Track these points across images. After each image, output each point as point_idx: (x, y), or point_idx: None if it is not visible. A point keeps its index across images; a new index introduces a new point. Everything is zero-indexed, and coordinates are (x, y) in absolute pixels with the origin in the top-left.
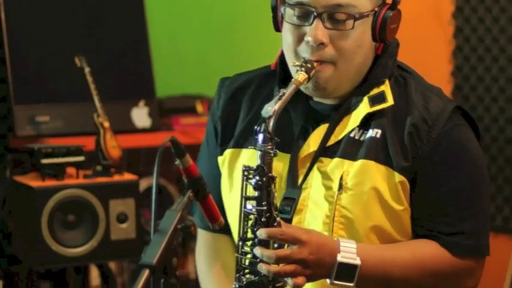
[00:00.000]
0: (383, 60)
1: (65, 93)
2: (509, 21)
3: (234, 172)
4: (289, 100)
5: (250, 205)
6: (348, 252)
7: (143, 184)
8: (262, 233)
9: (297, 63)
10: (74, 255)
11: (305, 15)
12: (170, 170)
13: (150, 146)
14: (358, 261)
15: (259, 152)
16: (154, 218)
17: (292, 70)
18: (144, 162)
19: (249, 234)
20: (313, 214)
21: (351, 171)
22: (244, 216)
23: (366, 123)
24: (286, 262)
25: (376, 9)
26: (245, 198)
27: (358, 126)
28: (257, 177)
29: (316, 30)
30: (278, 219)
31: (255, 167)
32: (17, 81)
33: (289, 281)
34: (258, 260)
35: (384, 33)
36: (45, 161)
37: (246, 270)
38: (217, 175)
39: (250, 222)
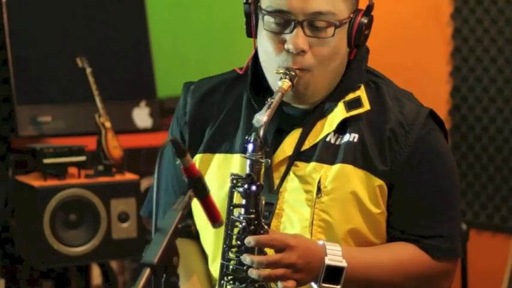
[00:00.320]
0: (356, 65)
1: (67, 93)
2: (508, 23)
3: (205, 177)
4: (261, 105)
5: (237, 212)
6: (335, 255)
7: (144, 184)
8: (250, 240)
9: (281, 70)
10: (75, 254)
11: (285, 23)
12: None
13: (151, 146)
14: (344, 264)
15: (248, 161)
16: (155, 218)
17: (273, 77)
18: (145, 162)
19: (234, 242)
20: (290, 218)
21: (329, 175)
22: (231, 223)
23: (342, 127)
24: (276, 267)
25: (351, 15)
26: (233, 206)
27: (333, 130)
28: (245, 186)
29: (296, 38)
30: (266, 227)
31: (244, 175)
32: (19, 82)
33: (279, 285)
34: (246, 266)
35: (359, 39)
36: (47, 160)
37: (230, 277)
38: (181, 177)
39: (236, 230)
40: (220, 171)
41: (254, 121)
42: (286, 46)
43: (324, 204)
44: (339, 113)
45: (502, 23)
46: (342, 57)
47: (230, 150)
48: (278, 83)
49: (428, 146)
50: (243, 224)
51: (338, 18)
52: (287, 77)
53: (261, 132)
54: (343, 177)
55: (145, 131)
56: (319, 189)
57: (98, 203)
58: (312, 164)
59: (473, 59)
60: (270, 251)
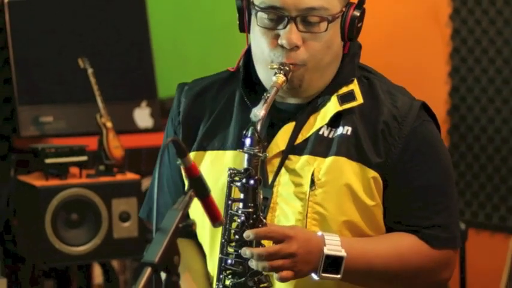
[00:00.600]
0: (349, 60)
1: (68, 94)
2: (506, 23)
3: None
4: (253, 101)
5: (235, 207)
6: (333, 245)
7: (145, 183)
8: (249, 234)
9: (275, 66)
10: (77, 253)
11: (278, 19)
12: None
13: (152, 146)
14: (343, 253)
15: (246, 155)
16: (156, 217)
17: (267, 73)
18: (146, 161)
19: (232, 236)
20: (284, 212)
21: (323, 167)
22: (230, 217)
23: (335, 121)
24: (276, 258)
25: (343, 9)
26: (232, 200)
27: (327, 124)
28: (244, 180)
29: (290, 33)
30: (264, 220)
31: (242, 170)
32: (21, 82)
33: (275, 275)
34: (245, 260)
35: (352, 32)
36: (48, 160)
37: (229, 271)
38: (178, 179)
39: (234, 224)
40: (213, 168)
41: (252, 115)
42: (279, 41)
43: (317, 197)
44: (332, 107)
45: (500, 23)
46: (336, 51)
47: (222, 147)
48: (273, 78)
49: (422, 137)
50: (242, 218)
51: (331, 12)
52: (281, 72)
53: (259, 127)
54: (336, 170)
55: (146, 131)
56: (312, 182)
57: (99, 203)
58: (305, 157)
59: (472, 60)
60: (268, 244)
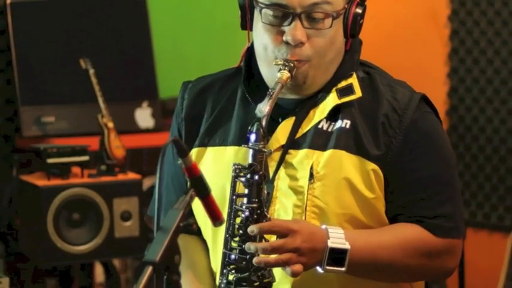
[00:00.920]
0: (349, 56)
1: (70, 94)
2: (504, 24)
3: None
4: (254, 98)
5: (240, 202)
6: (337, 238)
7: (146, 183)
8: (253, 229)
9: (280, 62)
10: (79, 252)
11: (283, 16)
12: None
13: (153, 146)
14: (347, 246)
15: (251, 151)
16: (157, 216)
17: (271, 69)
18: (148, 161)
19: (236, 231)
20: (284, 205)
21: (321, 160)
22: (234, 212)
23: (334, 114)
24: (281, 252)
25: (346, 6)
26: (236, 195)
27: (325, 117)
28: (248, 175)
29: (295, 30)
30: (268, 216)
31: (246, 165)
32: (23, 83)
33: (287, 270)
34: (249, 255)
35: (354, 29)
36: (50, 160)
37: (233, 266)
38: (181, 176)
39: (238, 219)
40: (214, 164)
41: (257, 111)
42: (284, 38)
43: (316, 190)
44: (331, 100)
45: (498, 24)
46: (339, 48)
47: (223, 143)
48: (277, 74)
49: (423, 128)
50: (246, 213)
51: (335, 9)
52: (286, 68)
53: (264, 122)
54: (335, 163)
55: (147, 131)
56: (311, 175)
57: (100, 202)
58: (304, 151)
59: (471, 61)
60: (272, 239)
